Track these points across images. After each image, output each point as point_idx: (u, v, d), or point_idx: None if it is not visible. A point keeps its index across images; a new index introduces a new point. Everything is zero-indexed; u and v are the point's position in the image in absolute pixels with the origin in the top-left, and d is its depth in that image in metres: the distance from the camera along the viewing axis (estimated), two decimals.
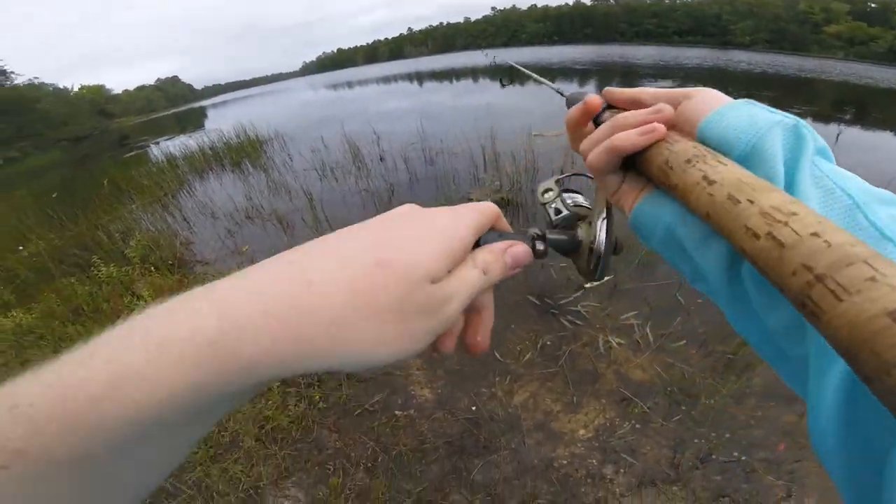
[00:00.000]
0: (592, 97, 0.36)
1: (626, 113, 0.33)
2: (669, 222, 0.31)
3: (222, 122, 16.14)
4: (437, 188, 4.77)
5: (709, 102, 0.31)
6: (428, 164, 5.90)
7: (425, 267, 0.23)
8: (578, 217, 0.43)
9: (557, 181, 0.46)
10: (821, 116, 9.77)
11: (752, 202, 0.22)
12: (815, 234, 0.18)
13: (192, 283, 3.34)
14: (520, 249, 0.30)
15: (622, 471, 1.86)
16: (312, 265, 0.22)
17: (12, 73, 57.35)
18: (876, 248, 0.19)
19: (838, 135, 6.94)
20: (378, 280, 0.22)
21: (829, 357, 0.21)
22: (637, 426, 2.02)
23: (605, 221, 0.39)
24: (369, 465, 2.01)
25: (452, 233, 0.26)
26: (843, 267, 0.17)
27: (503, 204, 4.24)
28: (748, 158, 0.28)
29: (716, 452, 1.87)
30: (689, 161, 0.28)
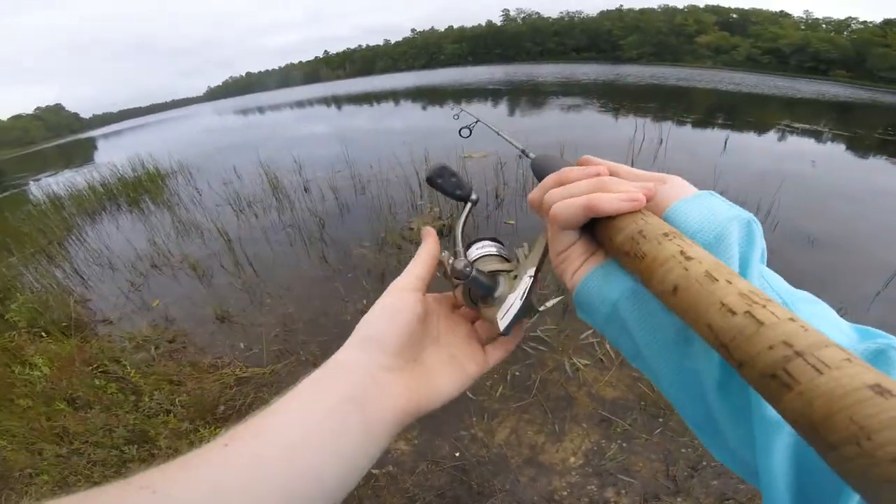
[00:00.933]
0: (592, 160, 0.37)
1: (612, 178, 0.34)
2: (616, 299, 0.32)
3: (116, 153, 14.43)
4: (374, 219, 4.48)
5: (678, 190, 0.33)
6: (359, 192, 5.59)
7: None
8: (499, 270, 0.44)
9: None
10: (701, 123, 11.03)
11: (730, 283, 0.23)
12: (792, 320, 0.20)
13: (97, 346, 2.72)
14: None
15: (623, 492, 1.85)
16: None
17: None
18: None
19: (726, 140, 7.82)
20: None
21: (772, 435, 0.23)
22: (623, 445, 2.03)
23: (531, 281, 0.41)
24: None
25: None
26: (823, 347, 0.19)
27: (447, 231, 4.11)
28: (708, 248, 0.29)
29: (704, 458, 1.92)
30: (665, 234, 0.28)
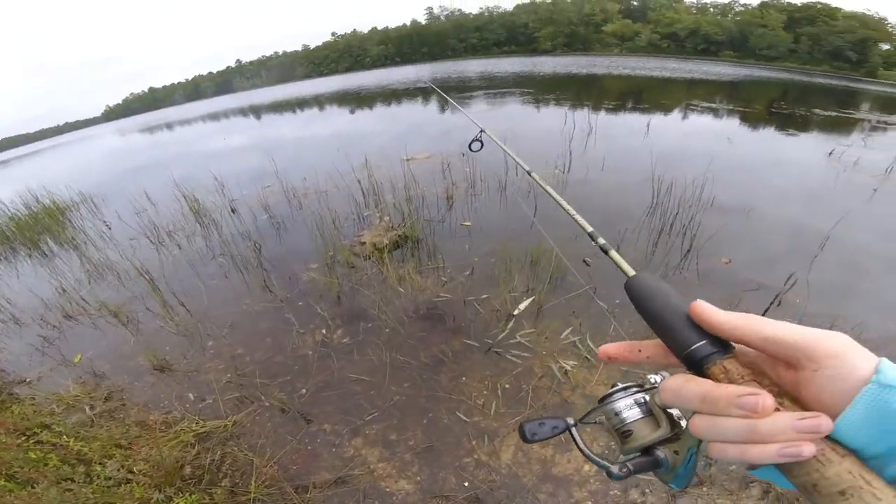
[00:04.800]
0: (706, 310, 0.33)
1: (771, 419, 0.29)
2: None
3: (4, 188, 12.46)
4: (318, 236, 4.09)
5: (842, 377, 0.29)
6: (296, 209, 5.14)
7: None
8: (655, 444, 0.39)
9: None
10: (620, 108, 11.66)
11: None
12: None
13: (19, 412, 2.15)
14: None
15: (647, 491, 1.80)
16: None
17: None
18: None
19: (648, 123, 8.26)
20: None
21: None
22: None
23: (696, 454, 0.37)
24: None
25: None
26: None
27: (402, 240, 3.85)
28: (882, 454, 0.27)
29: None
30: (842, 493, 0.26)
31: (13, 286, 4.72)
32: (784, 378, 0.32)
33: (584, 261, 3.44)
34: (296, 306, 3.23)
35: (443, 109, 13.65)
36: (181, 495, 1.97)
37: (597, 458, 0.42)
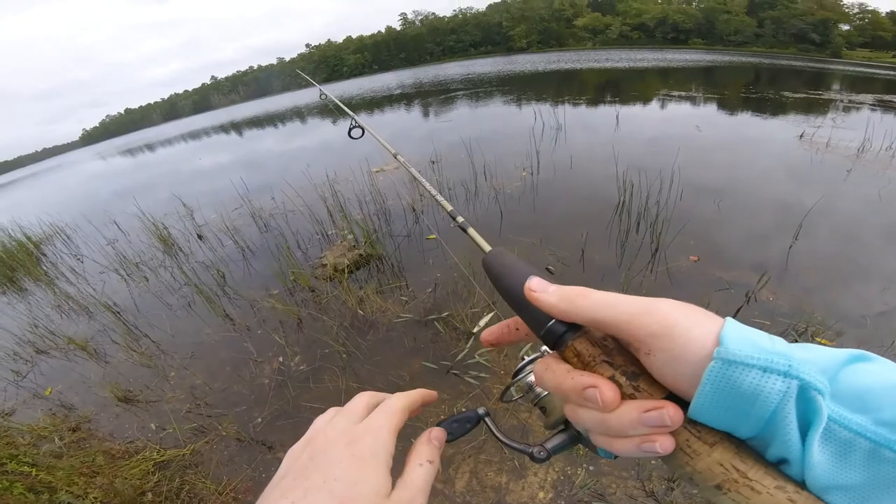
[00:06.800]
0: (539, 287, 0.31)
1: (618, 413, 0.26)
2: None
3: None
4: (281, 260, 4.00)
5: (676, 358, 0.25)
6: (262, 231, 5.04)
7: (375, 491, 0.29)
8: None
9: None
10: (593, 102, 11.68)
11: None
12: None
13: None
14: (435, 432, 0.38)
15: None
16: None
17: None
18: None
19: (617, 115, 8.28)
20: None
21: None
22: (590, 468, 1.91)
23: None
24: None
25: (382, 452, 0.32)
26: None
27: (364, 260, 3.78)
28: (759, 436, 0.24)
29: None
30: (719, 488, 0.24)
31: None
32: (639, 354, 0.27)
33: (548, 268, 3.38)
34: (255, 335, 3.16)
35: (426, 115, 13.60)
36: None
37: (514, 444, 0.39)
